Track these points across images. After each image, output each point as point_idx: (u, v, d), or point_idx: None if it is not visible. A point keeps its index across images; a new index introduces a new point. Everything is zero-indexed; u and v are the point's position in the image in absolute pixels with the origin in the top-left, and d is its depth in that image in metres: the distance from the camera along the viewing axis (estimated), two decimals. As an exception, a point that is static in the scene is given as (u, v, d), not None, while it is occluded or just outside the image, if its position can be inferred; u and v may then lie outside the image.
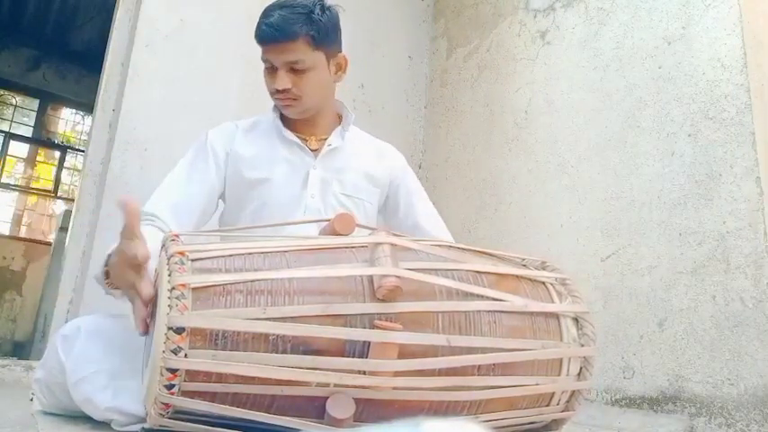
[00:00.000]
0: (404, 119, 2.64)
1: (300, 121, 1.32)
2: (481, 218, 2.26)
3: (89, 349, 0.96)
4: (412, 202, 1.40)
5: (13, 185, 6.45)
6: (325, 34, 1.23)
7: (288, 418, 0.74)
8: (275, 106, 1.35)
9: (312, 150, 1.31)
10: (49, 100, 6.46)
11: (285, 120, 1.33)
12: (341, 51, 1.31)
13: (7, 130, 6.27)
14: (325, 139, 1.32)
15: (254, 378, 0.72)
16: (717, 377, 1.45)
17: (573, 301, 0.89)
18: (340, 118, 1.37)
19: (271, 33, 1.20)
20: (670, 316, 1.57)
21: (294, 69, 1.22)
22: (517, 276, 0.89)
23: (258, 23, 1.24)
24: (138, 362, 0.91)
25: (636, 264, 1.68)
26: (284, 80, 1.22)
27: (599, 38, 1.96)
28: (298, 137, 1.32)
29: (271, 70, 1.24)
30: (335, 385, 0.73)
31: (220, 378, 0.72)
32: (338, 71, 1.31)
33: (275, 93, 1.25)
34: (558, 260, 0.99)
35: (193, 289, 0.73)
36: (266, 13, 1.24)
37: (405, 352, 0.75)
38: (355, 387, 0.73)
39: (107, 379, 0.93)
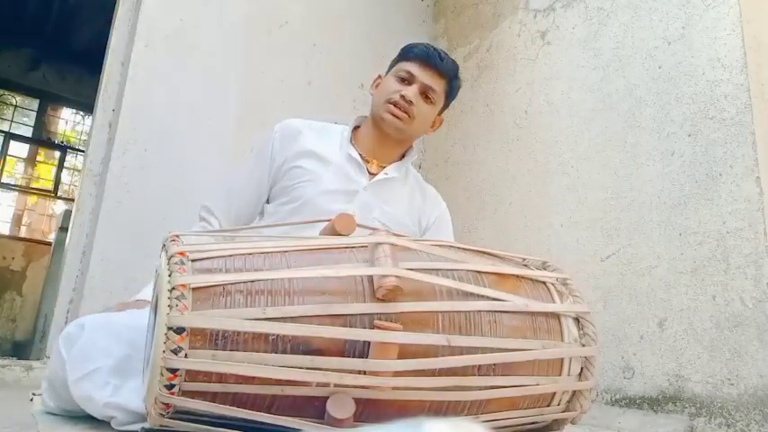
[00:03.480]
0: (404, 119, 2.63)
1: (370, 142, 1.38)
2: (481, 218, 2.26)
3: (90, 346, 0.96)
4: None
5: (13, 185, 6.44)
6: (454, 96, 1.41)
7: (288, 418, 0.74)
8: (361, 117, 1.42)
9: (370, 173, 1.36)
10: (48, 100, 6.46)
11: (354, 136, 1.40)
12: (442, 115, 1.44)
13: (7, 130, 6.27)
14: (384, 167, 1.38)
15: (254, 378, 0.72)
16: (717, 377, 1.45)
17: (574, 301, 0.89)
18: (401, 157, 1.44)
19: (435, 57, 1.33)
20: (670, 316, 1.57)
21: (425, 95, 1.33)
22: (518, 276, 0.89)
23: (423, 44, 1.37)
24: (140, 360, 0.92)
25: (636, 264, 1.68)
26: (415, 95, 1.31)
27: (599, 38, 1.96)
28: (361, 156, 1.36)
29: (405, 82, 1.33)
30: (335, 385, 0.73)
31: (220, 378, 0.72)
32: (434, 125, 1.43)
33: (397, 100, 1.31)
34: (558, 260, 0.99)
35: (193, 289, 0.73)
36: (432, 47, 1.37)
37: (405, 352, 0.75)
38: (355, 387, 0.73)
39: (107, 376, 0.93)
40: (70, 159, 6.65)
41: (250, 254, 0.81)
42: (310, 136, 1.37)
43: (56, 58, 6.13)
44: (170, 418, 0.74)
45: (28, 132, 6.42)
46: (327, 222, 0.95)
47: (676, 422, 1.47)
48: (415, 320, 0.77)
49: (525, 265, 0.95)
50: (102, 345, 0.97)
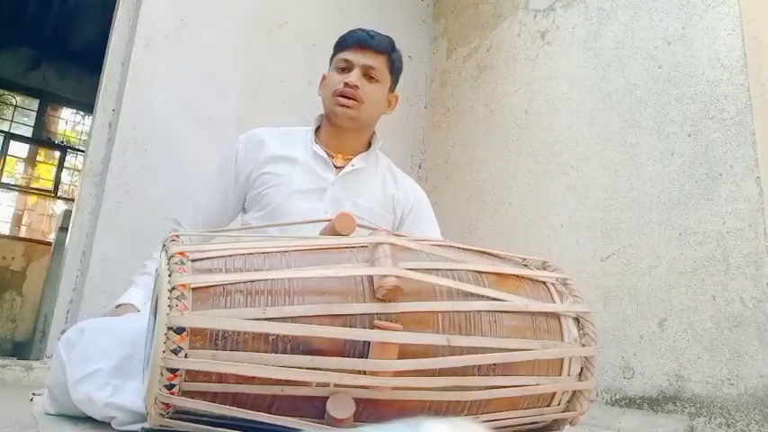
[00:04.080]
0: (404, 119, 2.64)
1: (333, 138, 1.38)
2: (481, 218, 2.26)
3: (90, 349, 0.97)
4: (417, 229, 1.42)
5: (13, 185, 6.44)
6: (398, 69, 1.42)
7: (288, 418, 0.74)
8: (320, 117, 1.42)
9: (336, 167, 1.37)
10: (48, 100, 6.46)
11: (317, 135, 1.41)
12: (395, 92, 1.46)
13: (7, 130, 6.26)
14: (350, 159, 1.38)
15: (254, 378, 0.72)
16: (717, 377, 1.45)
17: (574, 301, 0.89)
18: (368, 146, 1.44)
19: (365, 38, 1.36)
20: (670, 316, 1.57)
21: (368, 76, 1.34)
22: (518, 276, 0.89)
23: (350, 30, 1.38)
24: (140, 361, 0.92)
25: (636, 264, 1.68)
26: (358, 79, 1.32)
27: (599, 38, 1.96)
28: (326, 152, 1.37)
29: (345, 71, 1.34)
30: (335, 385, 0.73)
31: (220, 378, 0.72)
32: (389, 105, 1.44)
33: (342, 89, 1.32)
34: (558, 260, 0.99)
35: (193, 289, 0.73)
36: (359, 29, 1.40)
37: (405, 352, 0.75)
38: (355, 387, 0.74)
39: (107, 377, 0.93)
40: (70, 159, 6.65)
41: (250, 254, 0.81)
42: (274, 142, 1.39)
43: (56, 58, 6.13)
44: (170, 418, 0.74)
45: (28, 132, 6.42)
46: (327, 222, 0.95)
47: (676, 422, 1.47)
48: (415, 320, 0.77)
49: (525, 265, 0.95)
50: (103, 346, 0.97)
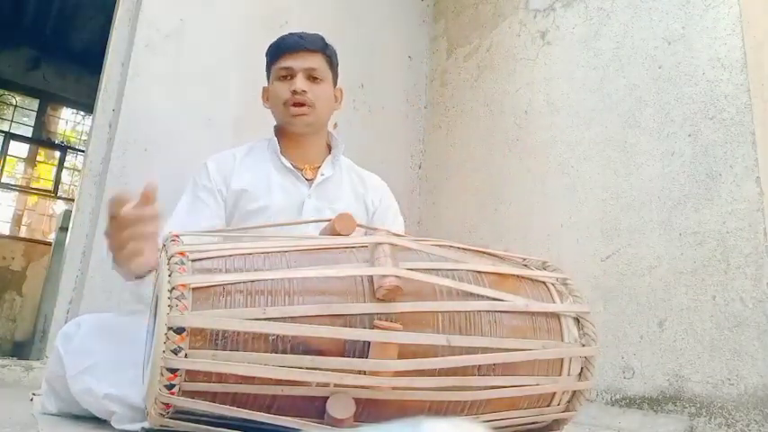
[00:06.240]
0: (404, 119, 2.64)
1: (295, 148, 1.39)
2: (481, 218, 2.26)
3: (88, 343, 0.98)
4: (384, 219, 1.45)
5: (13, 185, 6.44)
6: (336, 63, 1.43)
7: (288, 418, 0.74)
8: (276, 128, 1.43)
9: (307, 180, 1.38)
10: (48, 100, 6.45)
11: (281, 147, 1.40)
12: (338, 85, 1.46)
13: (7, 130, 6.26)
14: (318, 168, 1.39)
15: (254, 378, 0.72)
16: (717, 377, 1.45)
17: (574, 301, 0.89)
18: (329, 148, 1.46)
19: (297, 42, 1.36)
20: (670, 316, 1.57)
21: (312, 77, 1.35)
22: (518, 276, 0.89)
23: (280, 38, 1.37)
24: (138, 354, 0.92)
25: (636, 264, 1.68)
26: (303, 83, 1.33)
27: (599, 38, 1.96)
28: (293, 165, 1.38)
29: (288, 78, 1.35)
30: (335, 385, 0.73)
31: (220, 378, 0.72)
32: (336, 101, 1.45)
33: (291, 98, 1.33)
34: (558, 260, 0.99)
35: (194, 289, 0.73)
36: (288, 34, 1.38)
37: (405, 352, 0.75)
38: (355, 387, 0.74)
39: (105, 370, 0.94)
40: (70, 159, 6.65)
41: (250, 254, 0.81)
42: (241, 164, 1.38)
43: (56, 58, 6.12)
44: (170, 418, 0.74)
45: (28, 132, 6.42)
46: (328, 222, 0.95)
47: (676, 422, 1.47)
48: (415, 320, 0.77)
49: (525, 265, 0.95)
50: (100, 340, 0.98)
